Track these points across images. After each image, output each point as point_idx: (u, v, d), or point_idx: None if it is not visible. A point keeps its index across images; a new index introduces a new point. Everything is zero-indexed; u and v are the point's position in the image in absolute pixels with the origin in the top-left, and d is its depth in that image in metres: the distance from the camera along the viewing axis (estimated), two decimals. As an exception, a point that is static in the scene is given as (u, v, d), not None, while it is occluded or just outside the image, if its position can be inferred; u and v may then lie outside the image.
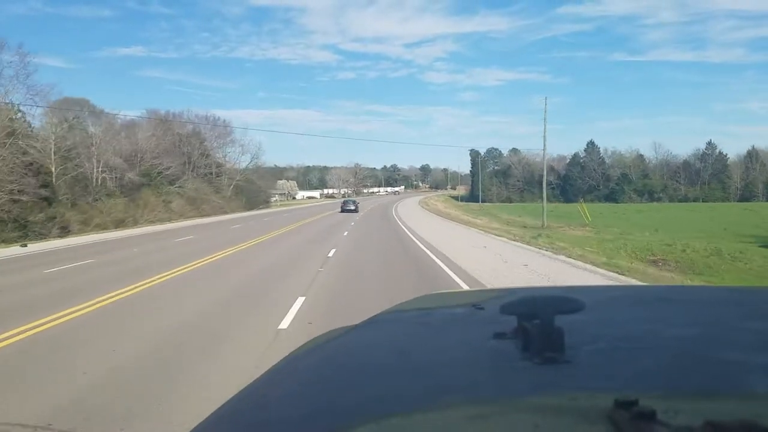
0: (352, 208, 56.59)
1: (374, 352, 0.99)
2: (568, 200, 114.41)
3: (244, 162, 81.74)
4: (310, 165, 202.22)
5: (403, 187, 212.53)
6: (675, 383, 0.71)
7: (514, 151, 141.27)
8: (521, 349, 0.80)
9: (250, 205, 75.56)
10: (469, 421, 0.61)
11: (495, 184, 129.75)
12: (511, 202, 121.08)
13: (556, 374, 0.74)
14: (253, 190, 78.06)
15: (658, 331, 0.94)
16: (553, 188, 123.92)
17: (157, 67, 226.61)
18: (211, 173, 68.54)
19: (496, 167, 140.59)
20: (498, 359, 0.81)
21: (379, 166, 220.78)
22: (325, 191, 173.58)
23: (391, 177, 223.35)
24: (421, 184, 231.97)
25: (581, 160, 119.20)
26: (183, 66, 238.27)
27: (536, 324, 0.80)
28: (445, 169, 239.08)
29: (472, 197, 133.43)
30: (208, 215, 56.96)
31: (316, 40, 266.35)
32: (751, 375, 0.72)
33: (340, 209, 57.54)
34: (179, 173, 56.80)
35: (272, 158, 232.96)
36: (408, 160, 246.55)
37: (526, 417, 0.60)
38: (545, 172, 48.94)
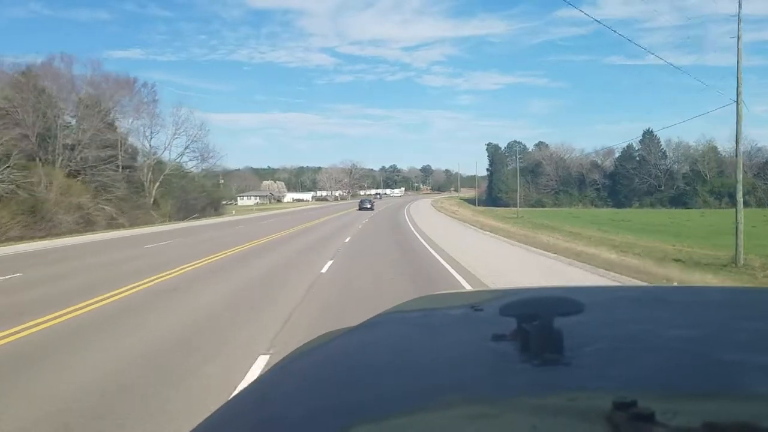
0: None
1: (374, 352, 0.97)
2: (619, 204, 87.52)
3: (177, 148, 54.18)
4: (304, 166, 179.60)
5: (403, 189, 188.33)
6: (674, 384, 0.70)
7: (541, 145, 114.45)
8: (520, 350, 0.79)
9: (186, 212, 48.56)
10: (468, 422, 0.61)
11: (521, 185, 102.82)
12: (542, 206, 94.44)
13: (554, 375, 0.73)
14: (191, 190, 50.94)
15: (657, 332, 0.92)
16: (598, 189, 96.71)
17: (154, 69, 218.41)
18: (113, 160, 41.10)
19: (520, 164, 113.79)
20: (497, 360, 0.80)
21: (377, 167, 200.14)
22: (318, 193, 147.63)
23: (390, 178, 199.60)
24: (422, 186, 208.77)
25: (636, 154, 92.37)
26: (181, 69, 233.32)
27: (535, 325, 0.79)
28: (447, 170, 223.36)
29: (490, 200, 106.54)
30: (58, 235, 29.79)
31: (314, 43, 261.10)
32: (751, 375, 0.71)
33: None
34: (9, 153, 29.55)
35: (266, 160, 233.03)
36: (408, 161, 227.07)
37: (524, 417, 0.60)
38: (739, 155, 21.41)
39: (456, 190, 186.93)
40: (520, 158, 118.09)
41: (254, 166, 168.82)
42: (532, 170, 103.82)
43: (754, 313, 1.06)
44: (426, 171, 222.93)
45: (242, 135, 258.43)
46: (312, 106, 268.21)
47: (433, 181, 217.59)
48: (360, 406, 0.70)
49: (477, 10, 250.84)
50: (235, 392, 0.85)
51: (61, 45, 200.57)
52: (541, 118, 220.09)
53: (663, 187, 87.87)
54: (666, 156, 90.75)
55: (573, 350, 0.77)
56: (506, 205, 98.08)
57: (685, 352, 0.81)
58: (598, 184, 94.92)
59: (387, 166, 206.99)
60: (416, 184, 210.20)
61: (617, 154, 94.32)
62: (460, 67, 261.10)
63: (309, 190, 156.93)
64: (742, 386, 0.68)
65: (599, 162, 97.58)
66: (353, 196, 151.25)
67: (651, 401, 0.55)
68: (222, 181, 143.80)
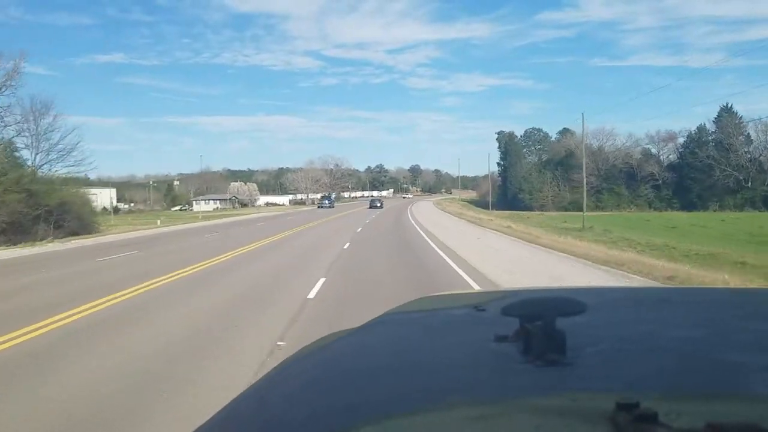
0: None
1: (376, 353, 0.95)
2: (689, 206, 62.76)
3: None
4: (284, 167, 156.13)
5: (392, 190, 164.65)
6: (677, 385, 0.69)
7: (565, 132, 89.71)
8: (523, 351, 0.77)
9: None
10: (471, 422, 0.59)
11: (548, 182, 78.10)
12: (579, 209, 70.04)
13: (557, 375, 0.71)
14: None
15: (660, 333, 0.90)
16: (657, 186, 71.75)
17: (138, 74, 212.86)
18: None
19: (543, 156, 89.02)
20: (499, 360, 0.78)
21: (362, 168, 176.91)
22: (299, 197, 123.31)
23: (377, 179, 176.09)
24: (411, 187, 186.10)
25: (710, 138, 67.82)
26: (164, 73, 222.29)
27: (538, 325, 0.77)
28: (436, 170, 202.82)
29: (505, 202, 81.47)
30: None
31: (298, 46, 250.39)
32: (753, 376, 0.70)
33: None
34: None
35: (252, 164, 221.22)
36: (394, 164, 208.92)
37: (527, 418, 0.59)
38: None
39: (448, 192, 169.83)
40: (540, 149, 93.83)
41: (233, 168, 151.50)
42: (561, 162, 79.04)
43: (757, 314, 1.03)
44: (414, 171, 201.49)
45: (227, 138, 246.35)
46: (297, 109, 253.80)
47: (422, 182, 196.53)
48: (362, 408, 0.69)
49: (460, 14, 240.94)
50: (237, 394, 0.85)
51: (43, 49, 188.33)
52: (528, 119, 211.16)
53: (750, 183, 63.35)
54: (751, 141, 66.20)
55: (576, 351, 0.75)
56: (528, 208, 73.24)
57: (687, 353, 0.79)
58: (657, 180, 69.91)
59: (373, 166, 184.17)
60: (404, 185, 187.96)
61: (681, 139, 69.83)
62: (445, 70, 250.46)
63: (289, 192, 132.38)
64: (746, 387, 0.67)
65: (655, 151, 73.18)
66: (337, 198, 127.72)
67: (654, 402, 0.54)
68: (177, 183, 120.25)
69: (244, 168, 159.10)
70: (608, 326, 0.93)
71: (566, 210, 70.73)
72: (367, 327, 1.08)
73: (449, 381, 0.74)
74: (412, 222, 33.73)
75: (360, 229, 26.99)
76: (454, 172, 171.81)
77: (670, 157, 72.07)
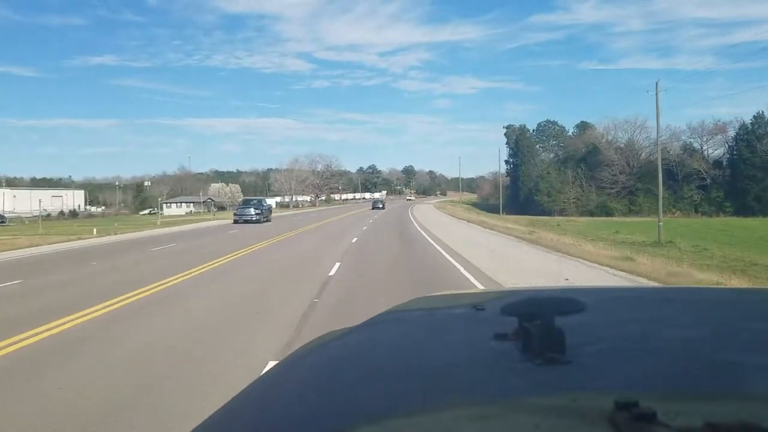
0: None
1: (375, 352, 0.94)
2: (745, 210, 51.50)
3: None
4: (272, 168, 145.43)
5: (384, 192, 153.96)
6: (676, 384, 0.69)
7: (584, 126, 78.63)
8: (522, 350, 0.77)
9: None
10: (470, 422, 0.59)
11: (569, 182, 66.98)
12: (609, 214, 58.85)
13: (556, 375, 0.71)
14: None
15: (659, 332, 0.90)
16: (703, 187, 61.04)
17: (129, 76, 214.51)
18: None
19: (561, 153, 77.81)
20: (499, 360, 0.77)
21: (354, 169, 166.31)
22: (286, 199, 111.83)
23: (369, 180, 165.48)
24: (405, 189, 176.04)
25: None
26: (156, 75, 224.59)
27: (537, 325, 0.77)
28: (431, 172, 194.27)
29: (516, 205, 70.22)
30: None
31: (291, 49, 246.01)
32: (752, 376, 0.69)
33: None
34: None
35: (238, 165, 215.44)
36: (388, 163, 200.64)
37: (526, 417, 0.58)
38: None
39: (443, 194, 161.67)
40: (555, 144, 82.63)
41: (221, 170, 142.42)
42: (583, 160, 67.89)
43: (756, 314, 1.03)
44: (408, 172, 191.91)
45: (218, 140, 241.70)
46: (289, 111, 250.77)
47: (416, 184, 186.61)
48: (361, 406, 0.68)
49: (452, 16, 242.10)
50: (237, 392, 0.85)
51: (33, 51, 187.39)
52: (526, 120, 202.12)
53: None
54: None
55: (575, 350, 0.75)
56: (546, 213, 62.08)
57: (686, 353, 0.79)
58: (704, 179, 58.94)
59: (365, 167, 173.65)
60: (398, 186, 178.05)
61: (732, 131, 58.74)
62: (437, 72, 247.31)
63: (274, 194, 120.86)
64: (744, 387, 0.67)
65: (698, 146, 62.18)
66: (327, 201, 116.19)
67: (653, 401, 0.54)
68: (148, 184, 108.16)
69: (234, 170, 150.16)
70: (608, 326, 0.93)
71: (592, 214, 59.70)
72: (365, 326, 1.05)
73: (449, 380, 0.74)
74: (433, 243, 22.20)
75: (337, 266, 15.29)
76: (449, 173, 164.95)
77: (717, 152, 61.34)
